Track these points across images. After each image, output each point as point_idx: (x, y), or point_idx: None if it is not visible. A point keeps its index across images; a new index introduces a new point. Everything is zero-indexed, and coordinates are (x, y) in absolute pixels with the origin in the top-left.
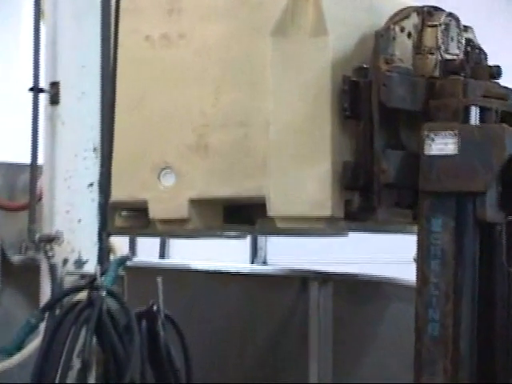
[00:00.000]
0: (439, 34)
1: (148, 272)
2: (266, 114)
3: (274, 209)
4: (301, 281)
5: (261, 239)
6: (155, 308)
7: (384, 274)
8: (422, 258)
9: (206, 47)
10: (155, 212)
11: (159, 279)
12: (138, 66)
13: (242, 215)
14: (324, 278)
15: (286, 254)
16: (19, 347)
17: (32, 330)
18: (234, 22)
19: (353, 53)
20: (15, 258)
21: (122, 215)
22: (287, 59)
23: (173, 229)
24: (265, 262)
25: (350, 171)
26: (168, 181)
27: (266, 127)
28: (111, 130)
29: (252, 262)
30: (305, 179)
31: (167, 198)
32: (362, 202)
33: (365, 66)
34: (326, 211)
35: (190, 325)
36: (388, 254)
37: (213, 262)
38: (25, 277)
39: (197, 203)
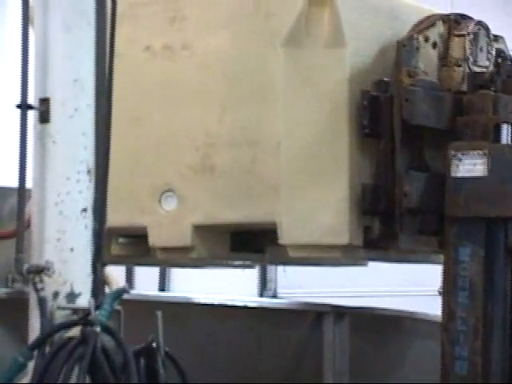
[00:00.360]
0: (467, 44)
1: (147, 306)
2: (277, 133)
3: (286, 236)
4: (314, 315)
5: (270, 269)
6: (154, 345)
7: (405, 307)
8: (449, 290)
9: (212, 59)
10: (155, 239)
11: (159, 313)
12: (136, 79)
13: (251, 243)
14: (339, 312)
15: (298, 286)
16: None
17: (20, 369)
18: (241, 33)
19: (372, 65)
20: (1, 291)
21: (118, 242)
22: (300, 72)
23: (175, 257)
24: (275, 295)
25: (369, 194)
26: (169, 205)
27: (277, 147)
28: (107, 150)
29: (261, 295)
30: (320, 204)
31: (168, 223)
32: (382, 228)
33: (385, 79)
34: (343, 239)
35: (192, 363)
36: (410, 287)
37: (217, 294)
38: (12, 311)
39: (201, 229)
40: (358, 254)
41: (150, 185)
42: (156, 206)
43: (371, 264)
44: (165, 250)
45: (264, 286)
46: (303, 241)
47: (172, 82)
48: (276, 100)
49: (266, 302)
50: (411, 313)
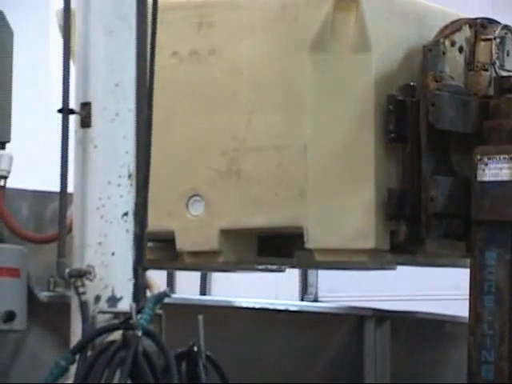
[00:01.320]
0: (494, 49)
1: (188, 310)
2: (304, 138)
3: (313, 241)
4: (355, 319)
5: (311, 273)
6: (196, 349)
7: (448, 311)
8: (475, 295)
9: (239, 65)
10: (183, 243)
11: (200, 317)
12: (163, 84)
13: (279, 246)
14: (381, 316)
15: (340, 290)
16: None
17: (62, 373)
18: (268, 38)
19: (398, 69)
20: (43, 295)
21: (147, 247)
22: (327, 77)
23: (202, 262)
24: (316, 299)
25: (396, 199)
26: (197, 209)
27: (304, 152)
28: (148, 154)
29: (302, 299)
30: (346, 208)
31: (196, 227)
32: (409, 232)
33: (412, 83)
34: (370, 243)
35: (234, 367)
36: (452, 290)
37: (258, 298)
38: (53, 315)
39: (228, 234)
40: (385, 258)
41: (178, 189)
42: (183, 211)
43: (413, 267)
44: (192, 254)
45: (305, 290)
46: (330, 245)
47: (199, 88)
48: (303, 105)
49: (307, 305)
50: (453, 317)
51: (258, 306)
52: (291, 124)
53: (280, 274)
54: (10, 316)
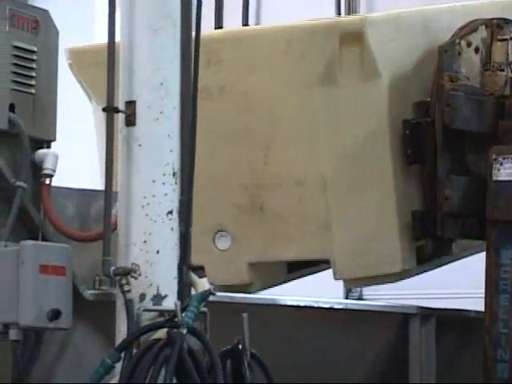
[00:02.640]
0: (510, 49)
1: (232, 308)
2: (322, 171)
3: (340, 272)
4: (400, 317)
5: None
6: (240, 346)
7: None
8: (491, 293)
9: (251, 102)
10: (212, 277)
11: (245, 315)
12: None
13: (307, 262)
14: (426, 313)
15: (384, 288)
16: None
17: (107, 370)
18: (277, 75)
19: (411, 84)
20: (88, 294)
21: None
22: (340, 109)
23: (233, 291)
24: (360, 297)
25: (420, 220)
26: (223, 244)
27: (324, 185)
28: (192, 152)
29: (346, 297)
30: (371, 236)
31: (224, 262)
32: (435, 246)
33: (425, 100)
34: (397, 267)
35: (279, 365)
36: None
37: (302, 296)
38: (98, 313)
39: (256, 266)
40: (412, 272)
41: (203, 225)
42: (210, 246)
43: (457, 264)
44: (222, 286)
45: (349, 288)
46: (358, 275)
47: (214, 123)
48: (318, 138)
49: (352, 303)
50: None
51: (302, 303)
52: (308, 158)
53: (324, 271)
54: (55, 314)
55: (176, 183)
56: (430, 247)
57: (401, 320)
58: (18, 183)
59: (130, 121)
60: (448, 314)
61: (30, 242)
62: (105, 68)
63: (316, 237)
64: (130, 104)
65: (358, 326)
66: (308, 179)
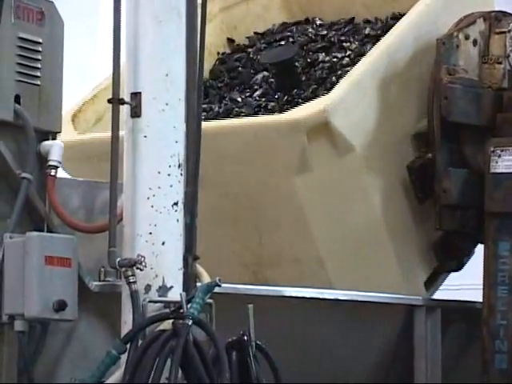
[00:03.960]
0: (508, 42)
1: (238, 299)
2: (318, 250)
3: None
4: (405, 308)
5: None
6: (246, 338)
7: None
8: (489, 285)
9: (232, 189)
10: None
11: (250, 306)
12: None
13: None
14: (431, 305)
15: None
16: (100, 380)
17: (113, 361)
18: (251, 166)
19: (387, 135)
20: (94, 285)
21: None
22: (322, 192)
23: None
24: None
25: (440, 249)
26: None
27: (322, 262)
28: (198, 144)
29: None
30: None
31: None
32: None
33: (422, 131)
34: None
35: (285, 356)
36: None
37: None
38: (104, 305)
39: None
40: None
41: None
42: None
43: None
44: None
45: None
46: None
47: (206, 207)
48: (306, 220)
49: (357, 295)
50: None
51: (307, 295)
52: (302, 241)
53: None
54: (61, 305)
55: (181, 175)
56: (452, 265)
57: (406, 311)
58: (24, 175)
59: (136, 112)
60: (453, 306)
61: (35, 234)
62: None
63: None
64: (136, 95)
65: (363, 318)
66: (305, 257)
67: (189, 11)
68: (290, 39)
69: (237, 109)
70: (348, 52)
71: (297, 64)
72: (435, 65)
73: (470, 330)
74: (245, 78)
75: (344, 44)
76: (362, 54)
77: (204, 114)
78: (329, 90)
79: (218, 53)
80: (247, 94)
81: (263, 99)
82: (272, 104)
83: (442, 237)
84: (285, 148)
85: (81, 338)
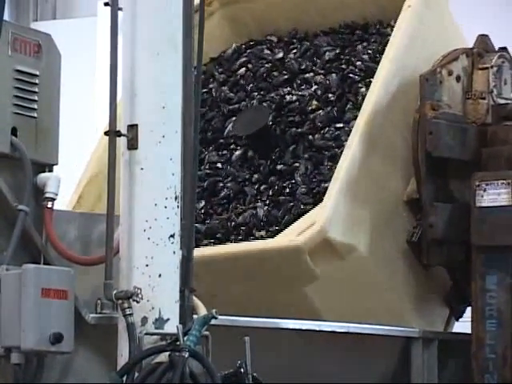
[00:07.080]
0: (491, 77)
1: (234, 331)
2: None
3: None
4: (402, 340)
5: None
6: (242, 370)
7: None
8: (477, 319)
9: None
10: None
11: (246, 339)
12: None
13: None
14: (428, 337)
15: None
16: None
17: None
18: (263, 284)
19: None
20: (90, 317)
21: None
22: (334, 295)
23: None
24: None
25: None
26: None
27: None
28: (194, 176)
29: None
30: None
31: None
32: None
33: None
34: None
35: None
36: None
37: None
38: (101, 337)
39: None
40: None
41: None
42: None
43: None
44: None
45: None
46: None
47: None
48: (316, 310)
49: (354, 327)
50: None
51: (304, 327)
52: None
53: None
54: (57, 338)
55: (178, 207)
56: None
57: (403, 343)
58: (20, 207)
59: (133, 144)
60: (450, 337)
61: (31, 266)
62: None
63: None
64: (132, 127)
65: (360, 350)
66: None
67: (185, 44)
68: (249, 65)
69: (221, 184)
70: (314, 87)
71: (271, 126)
72: (420, 100)
73: (467, 361)
74: (217, 129)
75: (307, 75)
76: (328, 88)
77: None
78: (307, 148)
79: None
80: (226, 155)
81: (246, 171)
82: (258, 205)
83: (452, 286)
84: (291, 270)
85: (77, 371)
